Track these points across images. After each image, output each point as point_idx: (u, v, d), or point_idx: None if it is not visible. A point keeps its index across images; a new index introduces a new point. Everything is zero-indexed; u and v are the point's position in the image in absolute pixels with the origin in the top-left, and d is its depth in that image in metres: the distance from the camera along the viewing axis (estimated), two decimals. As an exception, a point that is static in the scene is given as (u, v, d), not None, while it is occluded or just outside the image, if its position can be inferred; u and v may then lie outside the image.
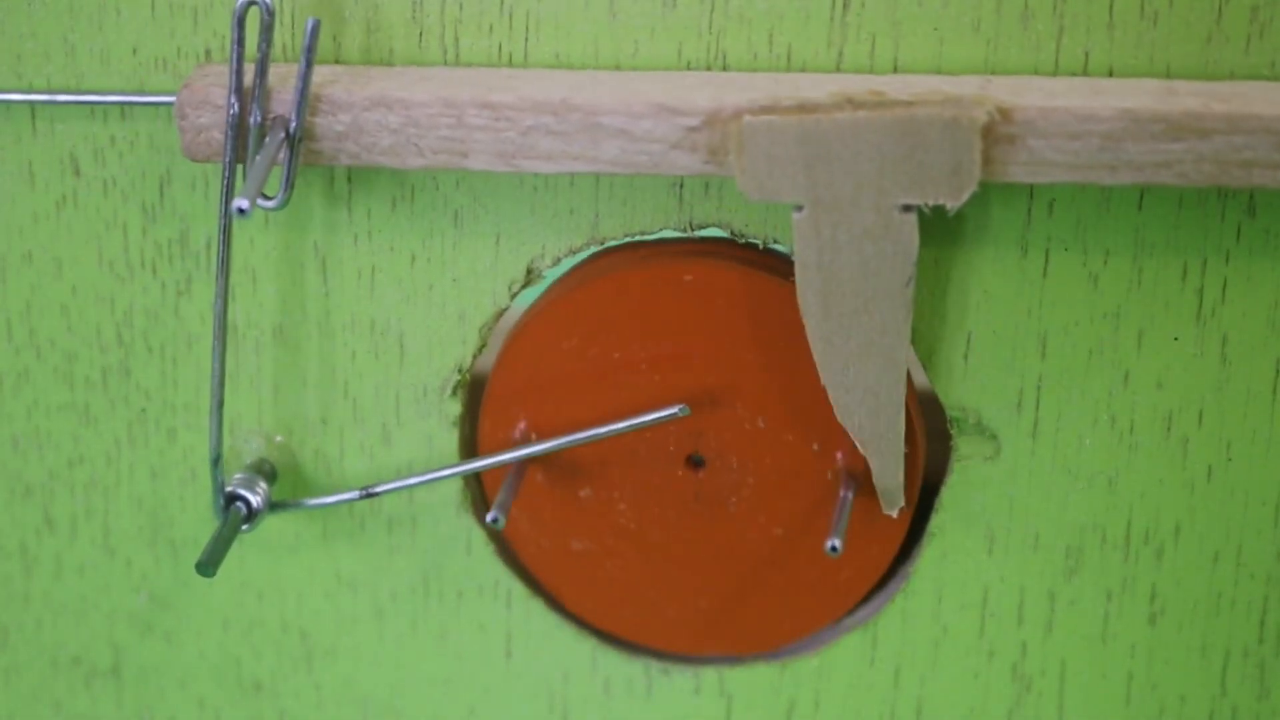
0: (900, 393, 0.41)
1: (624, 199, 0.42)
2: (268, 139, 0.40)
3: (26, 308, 0.44)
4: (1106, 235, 0.41)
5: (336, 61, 0.42)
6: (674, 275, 0.42)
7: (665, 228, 0.42)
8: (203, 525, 0.46)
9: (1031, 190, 0.41)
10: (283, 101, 0.40)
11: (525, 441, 0.43)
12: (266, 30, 0.39)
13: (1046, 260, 0.41)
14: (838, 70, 0.41)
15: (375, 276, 0.43)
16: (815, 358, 0.41)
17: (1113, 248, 0.41)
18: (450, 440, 0.44)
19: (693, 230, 0.42)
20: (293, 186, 0.41)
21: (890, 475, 0.42)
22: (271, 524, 0.45)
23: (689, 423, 0.43)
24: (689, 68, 0.41)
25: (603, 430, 0.43)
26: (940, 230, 0.41)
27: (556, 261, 0.43)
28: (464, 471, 0.44)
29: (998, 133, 0.38)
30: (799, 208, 0.39)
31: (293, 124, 0.40)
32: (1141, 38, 0.40)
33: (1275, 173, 0.38)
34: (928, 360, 0.42)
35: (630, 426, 0.43)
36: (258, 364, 0.44)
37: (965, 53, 0.40)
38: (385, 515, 0.45)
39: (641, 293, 0.42)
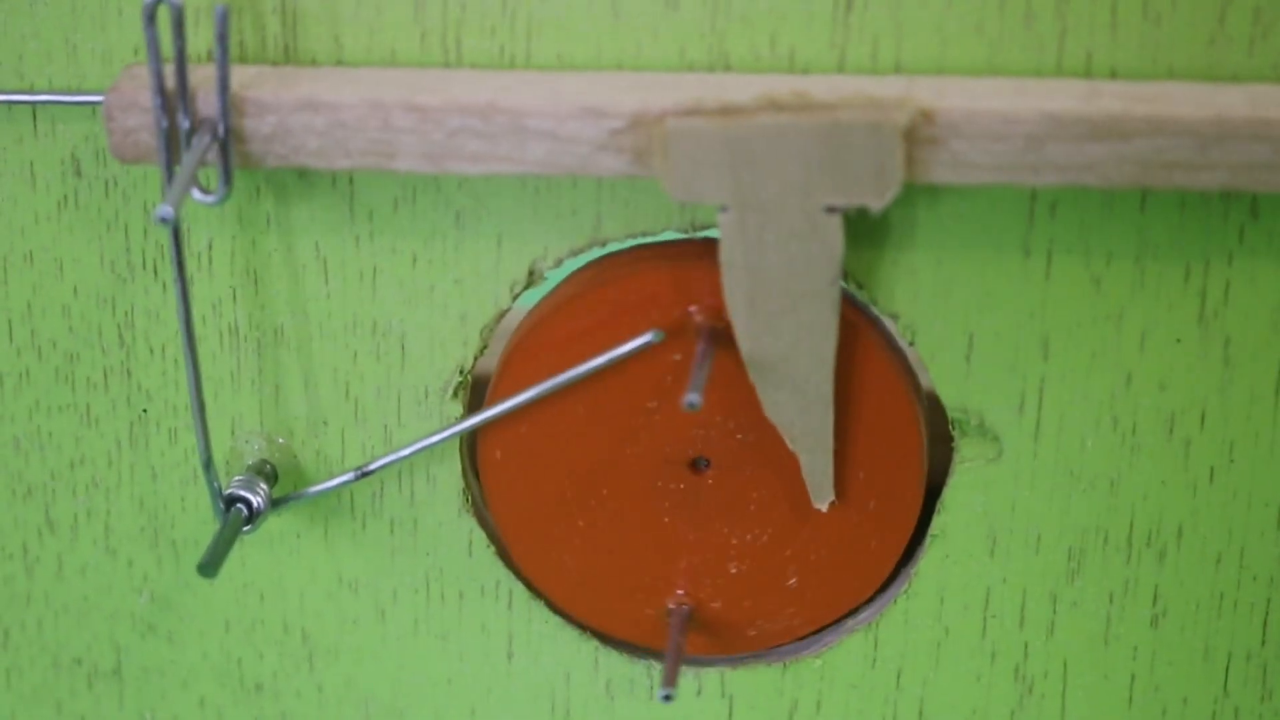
0: (828, 390, 0.41)
1: (626, 200, 0.42)
2: (194, 141, 0.40)
3: (28, 308, 0.44)
4: (1109, 237, 0.41)
5: (338, 62, 0.41)
6: (676, 276, 0.42)
7: (668, 229, 0.42)
8: (204, 526, 0.46)
9: (1034, 192, 0.41)
10: (207, 101, 0.40)
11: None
12: (179, 27, 0.39)
13: (1049, 262, 0.41)
14: (840, 70, 0.40)
15: (377, 277, 0.43)
16: (743, 356, 0.41)
17: (1115, 250, 0.41)
18: (451, 441, 0.44)
19: (695, 231, 0.42)
20: (231, 182, 0.40)
21: (820, 470, 0.42)
22: (273, 524, 0.46)
23: (693, 425, 0.43)
24: (691, 69, 0.41)
25: (583, 369, 0.42)
26: (941, 231, 0.41)
27: (559, 263, 0.43)
28: (458, 431, 0.44)
29: (920, 135, 0.38)
30: (724, 209, 0.39)
31: (219, 127, 0.40)
32: (1144, 39, 0.39)
33: (1197, 174, 0.38)
34: (930, 362, 0.42)
35: (609, 360, 0.42)
36: (259, 365, 0.44)
37: (968, 54, 0.40)
38: (387, 516, 0.45)
39: (644, 294, 0.42)
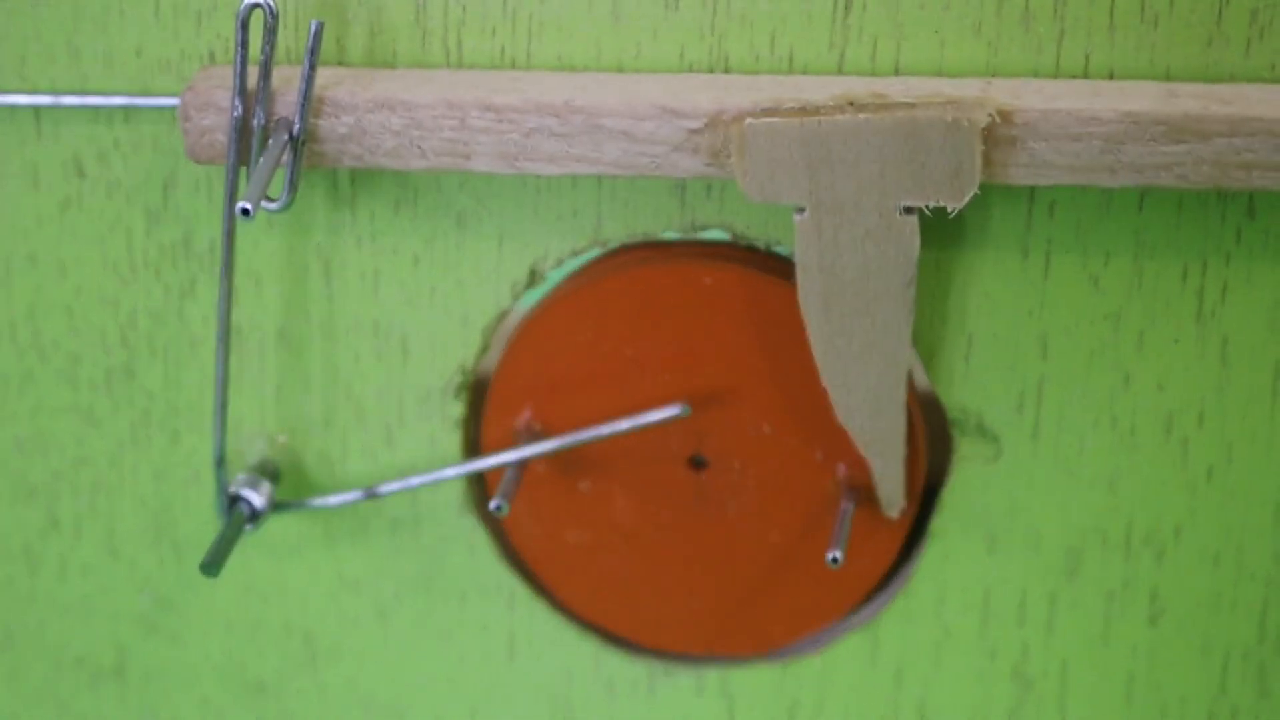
0: (901, 394, 0.41)
1: (626, 201, 0.42)
2: (271, 141, 0.40)
3: (31, 310, 0.44)
4: (1107, 237, 0.41)
5: (340, 64, 0.41)
6: (677, 276, 0.42)
7: (667, 230, 0.42)
8: (206, 526, 0.46)
9: (1032, 193, 0.41)
10: (286, 104, 0.40)
11: (528, 431, 0.43)
12: (270, 33, 0.39)
13: (1047, 262, 0.41)
14: (840, 72, 0.40)
15: (378, 279, 0.43)
16: (816, 359, 0.41)
17: (1113, 250, 0.41)
18: (453, 441, 0.44)
19: (695, 232, 0.42)
20: (296, 189, 0.41)
21: (891, 477, 0.42)
22: (275, 525, 0.46)
23: (691, 424, 0.43)
24: (691, 70, 0.41)
25: (604, 430, 0.43)
26: (941, 232, 0.41)
27: (559, 263, 0.43)
28: (467, 471, 0.44)
29: (998, 135, 0.38)
30: (800, 209, 0.39)
31: (296, 126, 0.40)
32: (1142, 40, 0.40)
33: (1275, 174, 0.38)
34: (929, 362, 0.42)
35: (632, 427, 0.43)
36: (261, 366, 0.44)
37: (966, 55, 0.40)
38: (388, 516, 0.45)
39: (645, 294, 0.42)
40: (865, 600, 0.45)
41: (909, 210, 0.39)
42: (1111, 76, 0.40)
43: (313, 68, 0.39)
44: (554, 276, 0.43)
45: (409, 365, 0.44)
